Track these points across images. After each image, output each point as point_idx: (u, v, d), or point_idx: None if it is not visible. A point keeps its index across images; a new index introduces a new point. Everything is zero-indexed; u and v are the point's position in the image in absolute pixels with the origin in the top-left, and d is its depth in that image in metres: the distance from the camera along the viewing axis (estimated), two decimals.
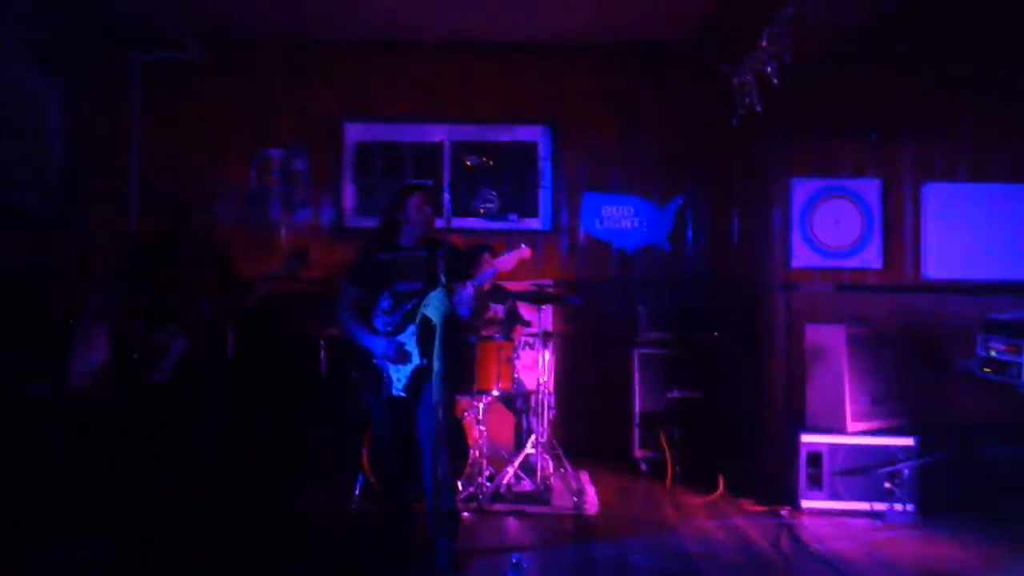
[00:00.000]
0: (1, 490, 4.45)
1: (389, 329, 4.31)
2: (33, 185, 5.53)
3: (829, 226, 5.96)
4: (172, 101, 6.72)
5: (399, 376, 4.27)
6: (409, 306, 4.28)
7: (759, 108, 5.26)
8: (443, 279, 4.21)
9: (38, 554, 4.03)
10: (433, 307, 4.18)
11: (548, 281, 6.00)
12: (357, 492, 5.19)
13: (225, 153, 6.83)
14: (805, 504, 5.17)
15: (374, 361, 4.32)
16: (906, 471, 5.07)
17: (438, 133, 7.08)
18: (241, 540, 4.57)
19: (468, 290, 4.22)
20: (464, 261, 4.54)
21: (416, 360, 4.25)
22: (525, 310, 5.89)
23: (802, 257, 5.96)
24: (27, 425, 4.90)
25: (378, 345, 4.28)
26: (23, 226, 5.42)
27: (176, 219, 5.05)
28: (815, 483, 5.19)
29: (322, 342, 5.75)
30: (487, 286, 4.47)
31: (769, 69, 5.08)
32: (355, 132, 7.03)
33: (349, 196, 7.04)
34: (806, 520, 5.01)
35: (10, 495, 4.48)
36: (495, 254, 4.78)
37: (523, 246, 4.22)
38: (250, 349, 6.10)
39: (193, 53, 6.61)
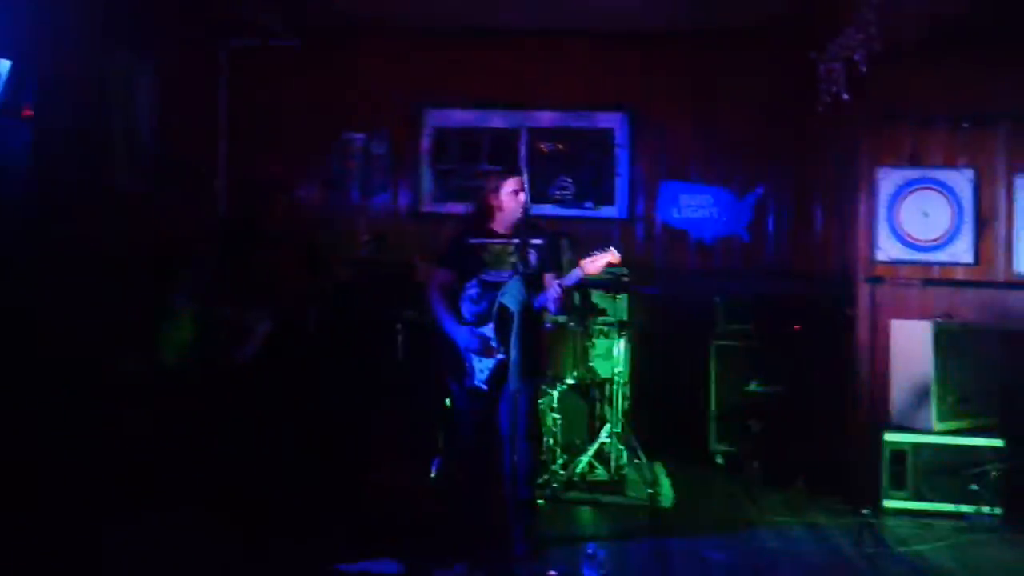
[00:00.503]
0: (87, 468, 4.60)
1: (473, 319, 4.29)
2: (128, 168, 5.70)
3: (917, 218, 5.78)
4: (258, 86, 6.84)
5: (482, 367, 4.24)
6: (497, 295, 4.22)
7: (846, 96, 5.13)
8: (520, 268, 4.17)
9: (125, 522, 4.16)
10: (511, 296, 4.13)
11: (624, 269, 5.94)
12: (433, 475, 5.25)
13: (308, 137, 6.91)
14: (887, 504, 5.06)
15: (457, 349, 4.32)
16: (993, 473, 4.92)
17: (515, 119, 7.07)
18: (315, 518, 4.64)
19: (556, 289, 4.14)
20: (552, 250, 4.46)
21: (500, 354, 4.19)
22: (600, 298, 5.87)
23: (888, 250, 5.80)
24: (114, 404, 5.06)
25: (461, 336, 4.25)
26: (117, 207, 5.59)
27: (262, 202, 5.16)
28: (898, 482, 5.07)
29: (399, 325, 5.82)
30: (572, 287, 4.36)
31: (857, 56, 4.94)
32: (434, 118, 7.06)
33: (427, 181, 7.09)
34: (888, 520, 4.90)
35: (96, 473, 4.62)
36: (575, 247, 4.73)
37: (611, 249, 4.10)
38: (330, 331, 6.20)
39: (281, 40, 6.72)
